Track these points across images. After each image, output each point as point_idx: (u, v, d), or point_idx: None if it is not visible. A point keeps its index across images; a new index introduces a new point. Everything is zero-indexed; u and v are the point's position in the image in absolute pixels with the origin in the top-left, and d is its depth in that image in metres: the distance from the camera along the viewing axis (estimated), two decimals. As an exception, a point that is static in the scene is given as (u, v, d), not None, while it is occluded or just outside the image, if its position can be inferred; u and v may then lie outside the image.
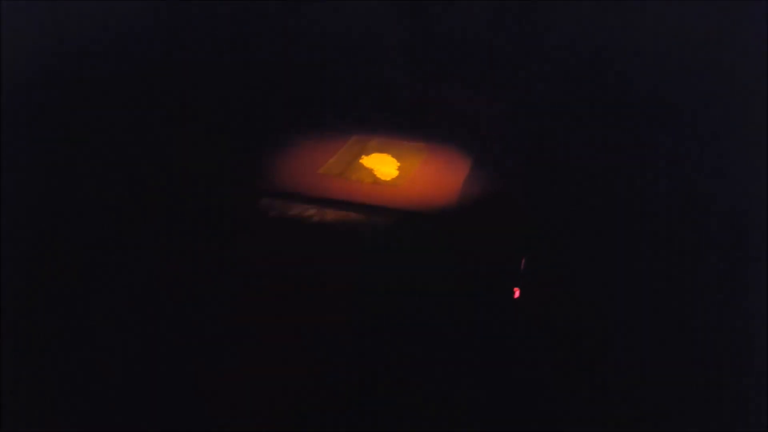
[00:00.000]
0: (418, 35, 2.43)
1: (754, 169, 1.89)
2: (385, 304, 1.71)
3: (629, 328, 1.43)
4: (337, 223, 2.15)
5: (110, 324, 1.46)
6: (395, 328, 1.65)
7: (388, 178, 2.38)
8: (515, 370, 1.38)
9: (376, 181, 2.38)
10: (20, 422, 1.21)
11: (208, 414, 1.27)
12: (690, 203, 1.81)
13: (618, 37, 2.53)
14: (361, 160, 2.50)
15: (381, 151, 2.52)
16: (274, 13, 2.66)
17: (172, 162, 2.10)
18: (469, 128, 2.33)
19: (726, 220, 1.72)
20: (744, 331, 1.41)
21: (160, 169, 2.10)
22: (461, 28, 2.59)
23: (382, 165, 2.46)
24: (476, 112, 2.34)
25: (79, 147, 2.12)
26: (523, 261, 1.80)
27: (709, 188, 1.86)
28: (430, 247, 2.00)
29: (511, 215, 1.92)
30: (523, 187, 1.93)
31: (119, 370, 1.34)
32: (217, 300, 1.61)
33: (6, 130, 2.02)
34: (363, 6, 2.45)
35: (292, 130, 2.65)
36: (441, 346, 1.58)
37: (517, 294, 1.70)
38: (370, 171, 2.44)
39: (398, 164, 2.45)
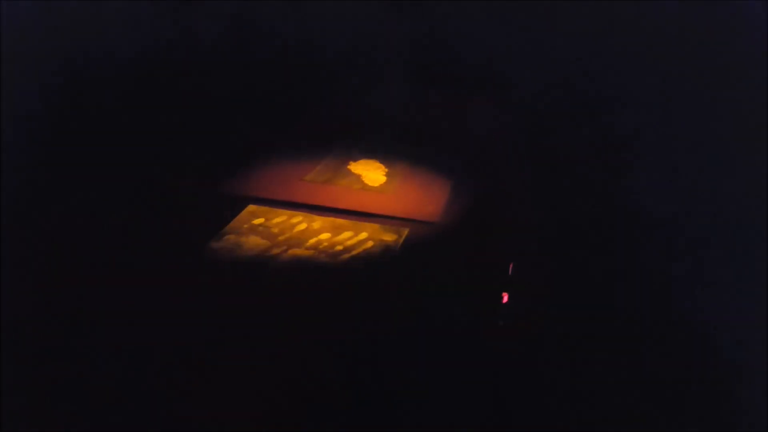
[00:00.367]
0: (415, 37, 2.45)
1: (754, 169, 1.89)
2: (373, 309, 1.67)
3: (627, 328, 1.41)
4: (323, 230, 2.11)
5: (110, 324, 1.46)
6: (382, 333, 1.61)
7: (377, 184, 2.35)
8: (503, 374, 1.35)
9: (364, 187, 2.35)
10: (20, 422, 1.20)
11: (208, 414, 1.25)
12: (689, 203, 1.82)
13: (617, 36, 2.58)
14: (348, 167, 2.46)
15: (368, 156, 2.49)
16: (271, 13, 2.66)
17: (163, 163, 2.06)
18: (459, 132, 2.32)
19: (726, 220, 1.73)
20: (744, 331, 1.40)
21: (151, 169, 2.06)
22: (459, 28, 2.62)
23: (370, 171, 2.43)
24: (468, 115, 2.34)
25: (78, 147, 2.07)
26: (511, 266, 1.78)
27: (709, 188, 1.87)
28: (418, 252, 1.97)
29: (500, 220, 1.90)
30: (513, 191, 1.92)
31: (119, 371, 1.34)
32: (210, 301, 1.62)
33: (6, 130, 2.00)
34: (360, 6, 2.46)
35: (280, 136, 2.61)
36: (428, 349, 1.54)
37: (505, 299, 1.68)
38: (357, 177, 2.40)
39: (386, 170, 2.42)
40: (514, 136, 2.11)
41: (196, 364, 1.42)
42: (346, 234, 2.06)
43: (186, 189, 2.33)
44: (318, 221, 2.14)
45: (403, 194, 2.28)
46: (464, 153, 2.34)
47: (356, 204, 2.22)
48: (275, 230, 2.09)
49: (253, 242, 2.02)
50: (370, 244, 2.00)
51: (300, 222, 2.14)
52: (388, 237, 2.04)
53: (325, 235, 2.05)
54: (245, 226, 2.12)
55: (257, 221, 2.15)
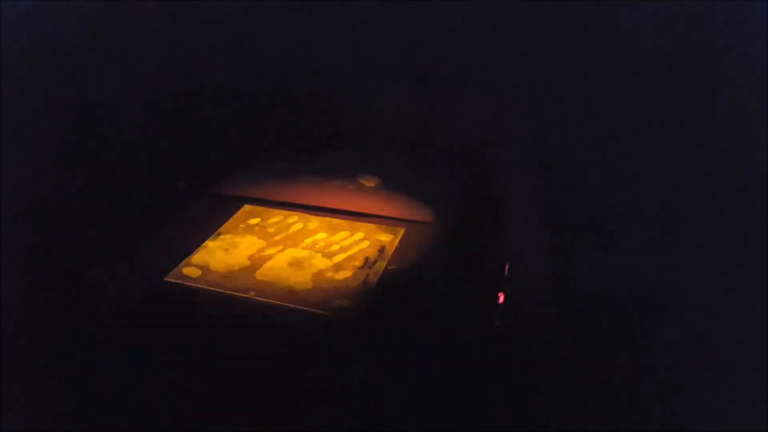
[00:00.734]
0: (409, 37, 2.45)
1: (754, 169, 1.91)
2: (369, 308, 1.68)
3: (625, 327, 1.41)
4: (319, 230, 2.11)
5: (110, 324, 1.46)
6: (378, 332, 1.61)
7: (372, 184, 2.36)
8: (500, 374, 1.36)
9: (359, 188, 2.36)
10: (20, 422, 1.20)
11: (208, 415, 1.25)
12: (689, 203, 1.83)
13: (617, 36, 2.61)
14: (344, 167, 2.47)
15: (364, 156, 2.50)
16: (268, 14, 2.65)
17: (157, 163, 2.05)
18: (457, 132, 2.34)
19: (726, 220, 1.73)
20: (744, 331, 1.38)
21: (145, 169, 2.05)
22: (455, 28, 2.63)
23: (365, 173, 2.44)
24: (468, 115, 2.36)
25: (76, 148, 2.06)
26: (508, 266, 1.79)
27: (709, 188, 1.88)
28: (414, 251, 1.98)
29: (496, 220, 1.92)
30: (511, 191, 1.94)
31: (119, 371, 1.33)
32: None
33: (6, 130, 1.97)
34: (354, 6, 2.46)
35: (274, 136, 2.61)
36: (425, 350, 1.55)
37: (501, 299, 1.69)
38: (352, 177, 2.41)
39: (381, 172, 2.43)
40: (511, 136, 2.13)
41: (195, 364, 1.41)
42: (342, 234, 2.06)
43: (181, 188, 2.32)
44: (314, 221, 2.14)
45: (398, 195, 2.29)
46: (461, 152, 2.35)
47: (352, 204, 2.23)
48: (271, 230, 2.09)
49: (249, 241, 2.01)
50: (366, 243, 2.01)
51: (296, 222, 2.14)
52: (384, 237, 2.05)
53: (321, 235, 2.06)
54: (241, 225, 2.11)
55: (253, 221, 2.14)
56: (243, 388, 1.42)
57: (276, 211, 2.21)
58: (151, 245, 1.98)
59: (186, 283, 1.79)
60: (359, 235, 2.06)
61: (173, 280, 1.80)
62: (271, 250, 1.96)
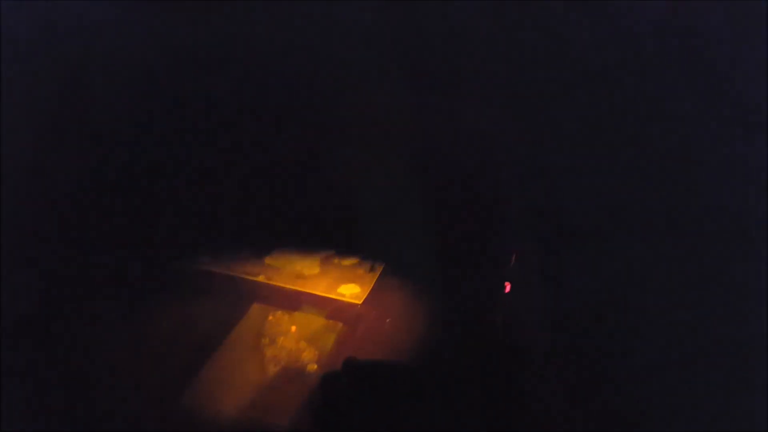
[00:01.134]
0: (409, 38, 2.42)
1: (754, 169, 1.91)
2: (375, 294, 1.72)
3: (626, 327, 1.42)
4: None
5: (110, 324, 1.46)
6: (382, 319, 1.66)
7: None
8: (507, 367, 1.39)
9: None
10: (20, 422, 1.20)
11: (208, 414, 1.26)
12: (689, 204, 1.84)
13: (616, 36, 2.58)
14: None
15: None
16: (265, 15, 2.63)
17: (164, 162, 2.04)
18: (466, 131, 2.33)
19: (725, 221, 1.73)
20: (744, 331, 1.38)
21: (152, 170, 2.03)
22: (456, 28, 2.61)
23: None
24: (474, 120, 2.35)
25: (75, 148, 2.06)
26: (514, 257, 1.81)
27: (708, 189, 1.89)
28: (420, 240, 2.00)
29: (503, 210, 1.94)
30: (517, 184, 1.95)
31: (119, 371, 1.34)
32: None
33: (6, 129, 2.00)
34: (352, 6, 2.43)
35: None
36: (432, 342, 1.59)
37: (507, 288, 1.72)
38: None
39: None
40: (514, 135, 2.13)
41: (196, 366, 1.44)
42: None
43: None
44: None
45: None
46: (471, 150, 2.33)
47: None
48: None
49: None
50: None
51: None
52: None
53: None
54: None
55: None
56: (247, 366, 1.49)
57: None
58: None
59: (198, 266, 1.84)
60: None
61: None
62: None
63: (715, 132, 2.19)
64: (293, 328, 1.62)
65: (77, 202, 1.82)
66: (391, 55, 2.51)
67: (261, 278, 1.79)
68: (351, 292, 1.74)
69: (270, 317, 1.65)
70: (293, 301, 1.70)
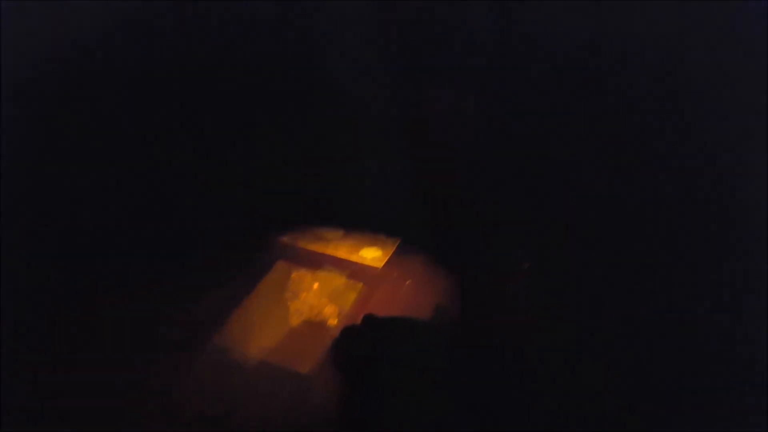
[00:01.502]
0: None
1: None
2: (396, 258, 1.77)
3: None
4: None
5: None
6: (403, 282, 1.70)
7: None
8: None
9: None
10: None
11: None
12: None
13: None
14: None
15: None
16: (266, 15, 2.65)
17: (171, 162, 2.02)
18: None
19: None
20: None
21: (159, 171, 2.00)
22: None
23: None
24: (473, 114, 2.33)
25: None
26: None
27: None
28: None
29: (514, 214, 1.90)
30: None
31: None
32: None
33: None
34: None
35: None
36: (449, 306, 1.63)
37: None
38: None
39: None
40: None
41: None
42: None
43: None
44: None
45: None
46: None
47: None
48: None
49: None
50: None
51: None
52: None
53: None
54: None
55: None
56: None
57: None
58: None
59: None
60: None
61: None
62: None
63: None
64: (315, 285, 1.68)
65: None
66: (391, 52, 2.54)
67: (286, 239, 1.85)
68: (372, 255, 1.79)
69: (294, 274, 1.71)
70: (316, 261, 1.76)
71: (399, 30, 2.62)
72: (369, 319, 1.53)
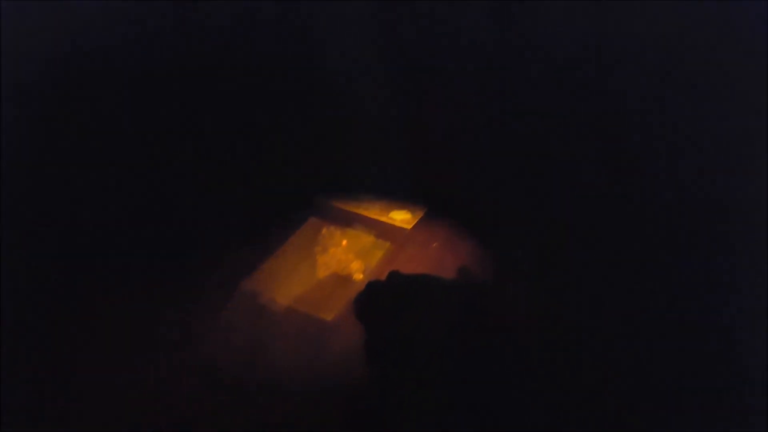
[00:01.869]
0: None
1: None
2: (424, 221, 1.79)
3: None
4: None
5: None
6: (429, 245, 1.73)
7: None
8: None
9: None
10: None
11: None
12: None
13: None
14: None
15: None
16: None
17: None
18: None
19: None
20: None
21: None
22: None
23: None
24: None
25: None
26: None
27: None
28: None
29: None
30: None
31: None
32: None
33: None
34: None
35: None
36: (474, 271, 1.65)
37: None
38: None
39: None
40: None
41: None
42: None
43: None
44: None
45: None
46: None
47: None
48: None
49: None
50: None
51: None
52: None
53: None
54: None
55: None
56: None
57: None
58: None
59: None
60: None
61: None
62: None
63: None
64: (344, 241, 1.73)
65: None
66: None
67: (320, 198, 1.91)
68: (402, 217, 1.82)
69: (324, 230, 1.77)
70: (347, 220, 1.82)
71: (399, 30, 2.65)
72: (393, 276, 1.57)
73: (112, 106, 2.26)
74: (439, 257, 1.69)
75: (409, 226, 1.79)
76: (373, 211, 1.85)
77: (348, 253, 1.69)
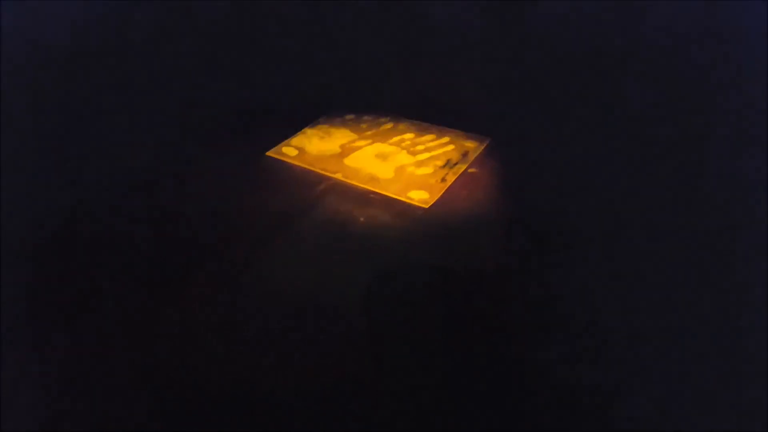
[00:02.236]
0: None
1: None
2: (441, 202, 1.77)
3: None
4: (408, 131, 2.19)
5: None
6: (447, 224, 1.70)
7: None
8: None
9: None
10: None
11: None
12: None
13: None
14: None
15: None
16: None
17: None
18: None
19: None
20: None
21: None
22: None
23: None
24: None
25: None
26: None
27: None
28: (497, 161, 1.99)
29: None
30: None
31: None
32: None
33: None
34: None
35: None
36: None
37: None
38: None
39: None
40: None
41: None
42: (429, 136, 2.13)
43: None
44: (404, 123, 2.23)
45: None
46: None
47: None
48: (364, 126, 2.22)
49: (343, 133, 2.17)
50: (450, 147, 2.07)
51: (387, 122, 2.24)
52: (470, 144, 2.08)
53: (408, 135, 2.14)
54: (337, 118, 2.27)
55: (349, 116, 2.29)
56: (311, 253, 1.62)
57: (370, 110, 2.32)
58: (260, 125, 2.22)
59: (283, 159, 2.01)
60: (445, 139, 2.12)
61: (273, 155, 2.03)
62: (360, 143, 2.10)
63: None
64: (361, 219, 1.72)
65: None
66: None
67: (338, 176, 1.91)
68: (420, 197, 1.80)
69: (341, 208, 1.77)
70: (364, 198, 1.80)
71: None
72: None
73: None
74: (456, 237, 1.66)
75: (427, 206, 1.76)
76: (391, 190, 1.83)
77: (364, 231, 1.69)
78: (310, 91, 2.47)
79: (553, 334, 1.34)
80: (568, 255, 1.59)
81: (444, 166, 1.95)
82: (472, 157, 2.00)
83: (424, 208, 1.76)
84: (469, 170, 1.93)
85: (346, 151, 2.05)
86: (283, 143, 2.10)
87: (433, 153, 2.03)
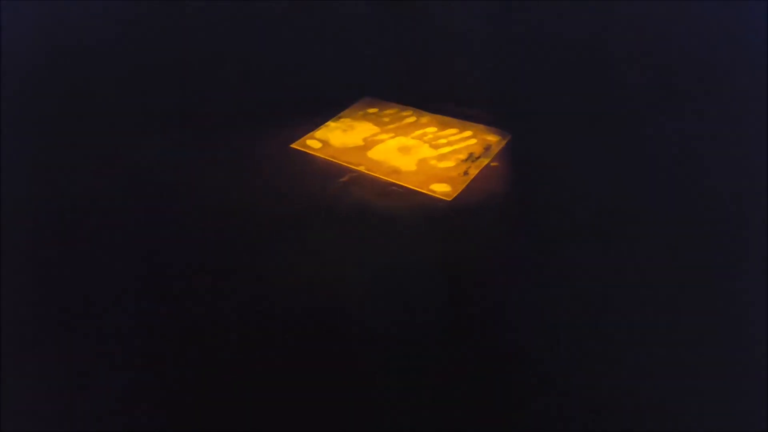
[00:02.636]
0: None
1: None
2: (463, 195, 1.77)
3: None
4: (430, 124, 2.20)
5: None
6: (467, 217, 1.71)
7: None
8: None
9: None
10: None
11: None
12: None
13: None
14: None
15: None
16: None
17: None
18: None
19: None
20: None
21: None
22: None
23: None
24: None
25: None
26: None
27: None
28: (519, 154, 1.99)
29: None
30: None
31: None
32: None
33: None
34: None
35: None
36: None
37: None
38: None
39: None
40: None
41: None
42: (452, 130, 2.15)
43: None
44: (426, 117, 2.25)
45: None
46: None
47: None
48: (386, 119, 2.24)
49: (365, 126, 2.19)
50: (473, 141, 2.08)
51: (410, 116, 2.26)
52: (492, 138, 2.09)
53: (431, 129, 2.16)
54: (360, 113, 2.29)
55: (371, 110, 2.31)
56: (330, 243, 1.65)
57: (393, 104, 2.34)
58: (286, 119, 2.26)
59: (308, 151, 2.05)
60: (468, 133, 2.13)
61: (298, 148, 2.07)
62: (383, 136, 2.13)
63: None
64: (384, 210, 1.74)
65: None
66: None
67: (362, 168, 1.93)
68: (442, 190, 1.81)
69: (364, 199, 1.79)
70: (386, 190, 1.83)
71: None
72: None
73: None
74: (475, 231, 1.67)
75: (449, 199, 1.78)
76: (413, 183, 1.85)
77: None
78: (332, 85, 2.50)
79: (560, 332, 1.34)
80: (583, 249, 1.58)
81: (466, 160, 1.96)
82: (495, 150, 2.01)
83: (446, 201, 1.77)
84: (492, 164, 1.95)
85: (369, 144, 2.08)
86: (307, 136, 2.13)
87: (455, 147, 2.05)
